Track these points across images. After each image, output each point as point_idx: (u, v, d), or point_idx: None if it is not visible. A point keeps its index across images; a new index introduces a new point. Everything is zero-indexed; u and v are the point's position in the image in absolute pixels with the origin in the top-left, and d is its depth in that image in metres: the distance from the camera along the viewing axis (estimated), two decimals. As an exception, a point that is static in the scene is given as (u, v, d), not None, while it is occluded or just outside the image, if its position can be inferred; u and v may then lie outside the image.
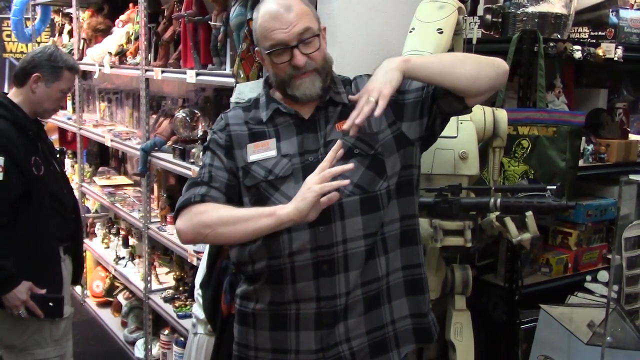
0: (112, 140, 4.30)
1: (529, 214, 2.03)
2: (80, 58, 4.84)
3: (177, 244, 3.48)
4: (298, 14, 1.65)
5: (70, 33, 5.40)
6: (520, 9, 2.57)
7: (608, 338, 2.27)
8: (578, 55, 2.53)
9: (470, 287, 2.36)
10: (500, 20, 2.61)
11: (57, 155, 3.02)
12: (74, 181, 5.10)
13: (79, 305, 4.93)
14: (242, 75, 2.69)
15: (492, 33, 2.62)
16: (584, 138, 2.73)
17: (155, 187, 4.39)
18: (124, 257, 4.57)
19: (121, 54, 4.25)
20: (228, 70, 3.05)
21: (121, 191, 4.81)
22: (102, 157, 5.72)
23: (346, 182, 1.55)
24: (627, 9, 2.90)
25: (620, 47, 2.66)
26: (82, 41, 4.95)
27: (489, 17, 2.60)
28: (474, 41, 2.50)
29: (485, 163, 2.35)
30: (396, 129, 1.73)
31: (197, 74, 3.17)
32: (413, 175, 1.79)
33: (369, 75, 1.70)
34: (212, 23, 3.16)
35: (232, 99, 2.57)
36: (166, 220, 3.79)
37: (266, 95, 1.79)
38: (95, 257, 5.01)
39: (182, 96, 4.22)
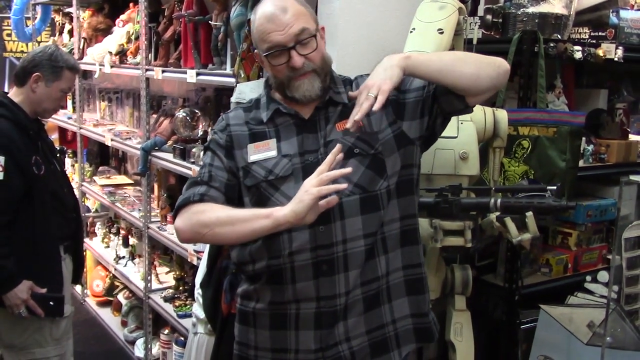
0: (112, 140, 4.30)
1: (529, 214, 2.03)
2: (81, 57, 4.84)
3: (177, 244, 3.49)
4: (294, 15, 1.65)
5: (71, 32, 5.40)
6: (521, 10, 2.57)
7: (608, 338, 2.27)
8: (578, 55, 2.53)
9: (470, 287, 2.36)
10: (500, 20, 2.61)
11: (58, 155, 3.03)
12: (74, 180, 5.11)
13: (79, 305, 4.94)
14: (242, 75, 2.69)
15: (492, 33, 2.62)
16: (584, 138, 2.74)
17: (156, 186, 4.40)
18: (124, 257, 4.57)
19: (121, 54, 4.25)
20: (228, 70, 3.05)
21: (121, 190, 4.81)
22: (102, 156, 5.72)
23: (344, 185, 1.54)
24: (628, 9, 2.90)
25: (620, 47, 2.66)
26: (82, 40, 4.95)
27: (489, 17, 2.60)
28: (475, 41, 2.50)
29: (485, 163, 2.35)
30: (397, 128, 1.73)
31: (198, 74, 3.17)
32: (413, 174, 1.79)
33: (369, 75, 1.70)
34: (212, 23, 3.16)
35: (233, 99, 2.57)
36: (166, 220, 3.79)
37: (267, 95, 1.80)
38: (96, 257, 5.01)
39: (182, 96, 4.22)
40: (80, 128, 4.93)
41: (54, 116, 4.04)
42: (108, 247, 4.93)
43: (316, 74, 1.70)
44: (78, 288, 5.05)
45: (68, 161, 5.53)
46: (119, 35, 4.33)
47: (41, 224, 2.63)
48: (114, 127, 4.81)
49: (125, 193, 4.74)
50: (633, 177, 2.72)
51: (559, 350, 2.45)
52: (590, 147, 2.88)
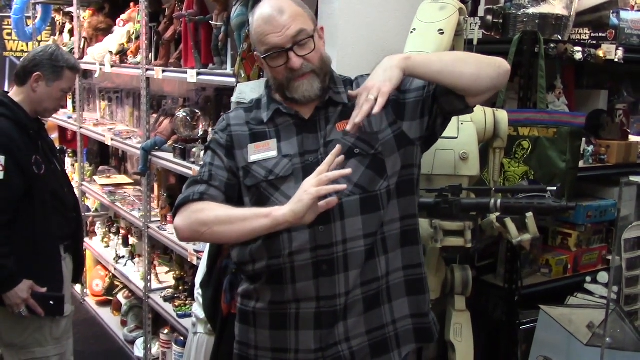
0: (112, 140, 4.30)
1: (529, 214, 2.03)
2: (81, 57, 4.84)
3: (177, 243, 3.49)
4: (291, 16, 1.65)
5: (71, 32, 5.40)
6: (521, 10, 2.57)
7: (607, 339, 2.27)
8: (579, 56, 2.53)
9: (470, 287, 2.36)
10: (501, 21, 2.61)
11: (58, 154, 3.03)
12: (74, 180, 5.11)
13: (78, 304, 4.94)
14: (243, 75, 2.69)
15: (492, 34, 2.62)
16: (584, 139, 2.74)
17: (156, 186, 4.40)
18: (123, 256, 4.57)
19: (122, 53, 4.25)
20: (229, 70, 3.05)
21: (121, 190, 4.82)
22: (102, 156, 5.72)
23: (343, 186, 1.54)
24: (628, 10, 2.90)
25: (620, 48, 2.66)
26: (82, 40, 4.96)
27: (489, 18, 2.60)
28: (475, 42, 2.50)
29: (485, 164, 2.35)
30: (397, 129, 1.73)
31: (198, 74, 3.17)
32: (413, 175, 1.79)
33: (370, 76, 1.70)
34: (213, 23, 3.16)
35: (233, 99, 2.57)
36: (166, 220, 3.79)
37: (267, 96, 1.80)
38: (95, 256, 5.01)
39: (182, 96, 4.22)
40: (81, 127, 4.94)
41: (54, 115, 4.04)
42: (108, 246, 4.93)
43: (315, 74, 1.70)
44: (78, 287, 5.05)
45: (68, 161, 5.53)
46: (119, 34, 4.33)
47: (41, 223, 2.63)
48: (114, 126, 4.81)
49: (125, 193, 4.74)
50: (633, 178, 2.72)
51: (558, 351, 2.45)
52: (591, 148, 2.89)
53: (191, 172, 3.17)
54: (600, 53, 2.61)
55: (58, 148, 4.10)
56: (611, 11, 2.80)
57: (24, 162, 2.56)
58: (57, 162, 2.85)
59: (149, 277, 3.96)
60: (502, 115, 2.30)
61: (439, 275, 2.35)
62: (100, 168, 5.44)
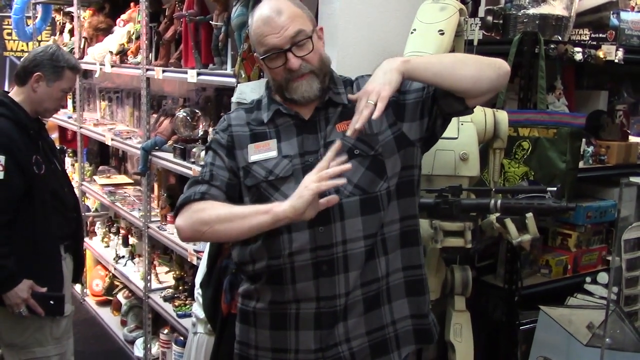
0: (112, 139, 4.30)
1: (529, 215, 2.04)
2: (81, 57, 4.84)
3: (177, 243, 3.49)
4: (289, 17, 1.66)
5: (71, 32, 5.40)
6: (521, 11, 2.57)
7: (607, 340, 2.28)
8: (579, 57, 2.54)
9: (470, 288, 2.37)
10: (501, 21, 2.61)
11: (58, 154, 3.03)
12: (74, 180, 5.10)
13: (78, 304, 4.93)
14: (243, 75, 2.69)
15: (493, 34, 2.62)
16: (584, 140, 2.74)
17: (156, 186, 4.40)
18: (123, 256, 4.57)
19: (122, 53, 4.25)
20: (229, 70, 3.05)
21: (121, 190, 4.82)
22: (102, 156, 5.72)
23: (343, 181, 1.54)
24: (628, 11, 2.90)
25: (620, 49, 2.67)
26: (83, 40, 4.96)
27: (490, 18, 2.60)
28: (475, 42, 2.50)
29: (485, 164, 2.36)
30: (397, 130, 1.73)
31: (198, 74, 3.17)
32: (414, 176, 1.79)
33: (370, 76, 1.70)
34: (213, 23, 3.16)
35: (234, 99, 2.58)
36: (166, 220, 3.79)
37: (268, 96, 1.80)
38: (95, 256, 5.01)
39: (182, 96, 4.22)
40: (81, 127, 4.94)
41: (54, 115, 4.04)
42: (108, 246, 4.93)
43: (314, 74, 1.70)
44: (78, 287, 5.05)
45: (68, 160, 5.54)
46: (119, 34, 4.34)
47: (41, 223, 2.63)
48: (114, 126, 4.81)
49: (125, 193, 4.74)
50: (633, 179, 2.72)
51: (558, 351, 2.45)
52: (591, 149, 2.89)
53: (191, 172, 3.17)
54: (601, 54, 2.62)
55: (58, 148, 4.10)
56: (611, 12, 2.80)
57: (24, 162, 2.56)
58: (57, 162, 2.85)
59: (148, 277, 3.96)
60: (502, 115, 2.31)
61: (439, 275, 2.35)
62: (100, 168, 5.44)
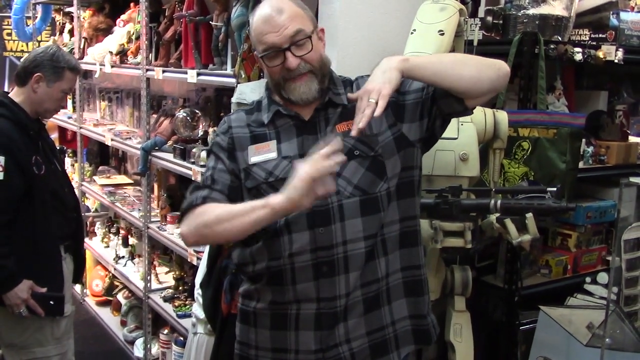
0: (112, 140, 4.30)
1: (529, 215, 2.04)
2: (81, 57, 4.84)
3: (177, 244, 3.49)
4: (290, 16, 1.66)
5: (71, 32, 5.40)
6: (521, 11, 2.57)
7: (607, 340, 2.28)
8: (578, 57, 2.54)
9: (469, 288, 2.37)
10: (501, 22, 2.61)
11: (59, 154, 3.03)
12: (74, 180, 5.11)
13: (78, 304, 4.93)
14: (243, 76, 2.69)
15: (493, 35, 2.63)
16: (584, 140, 2.74)
17: (156, 186, 4.40)
18: (123, 257, 4.57)
19: (122, 54, 4.25)
20: (229, 70, 3.05)
21: (121, 190, 4.82)
22: (102, 156, 5.72)
23: (341, 158, 1.51)
24: (628, 11, 2.91)
25: (620, 49, 2.67)
26: (83, 40, 4.95)
27: (489, 18, 2.60)
28: (475, 43, 2.50)
29: (485, 164, 2.36)
30: (396, 131, 1.73)
31: (198, 74, 3.17)
32: (414, 176, 1.79)
33: (370, 76, 1.70)
34: (213, 23, 3.16)
35: (233, 99, 2.58)
36: (166, 220, 3.79)
37: (268, 97, 1.80)
38: (95, 256, 5.01)
39: (182, 96, 4.22)
40: (80, 128, 4.94)
41: (54, 115, 4.05)
42: (108, 246, 4.93)
43: (313, 74, 1.70)
44: (77, 288, 5.05)
45: (68, 161, 5.53)
46: (119, 35, 4.34)
47: (41, 223, 2.63)
48: (114, 126, 4.81)
49: (125, 193, 4.74)
50: (633, 179, 2.72)
51: (558, 352, 2.45)
52: (590, 149, 2.89)
53: (191, 173, 3.17)
54: (600, 54, 2.62)
55: (58, 148, 4.10)
56: (611, 12, 2.80)
57: (24, 163, 2.56)
58: (57, 163, 2.85)
59: (148, 277, 3.96)
60: (502, 116, 2.31)
61: (439, 275, 2.35)
62: (100, 168, 5.44)
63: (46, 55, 2.69)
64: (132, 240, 4.67)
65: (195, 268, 3.26)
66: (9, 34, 7.23)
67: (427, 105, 1.73)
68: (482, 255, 2.69)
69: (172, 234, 3.63)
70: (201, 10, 3.33)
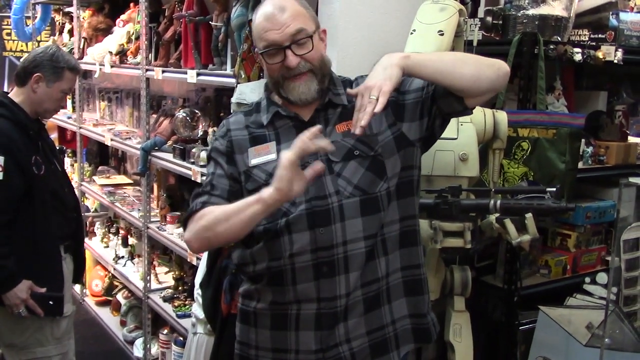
0: (112, 140, 4.30)
1: (529, 215, 2.04)
2: (81, 57, 4.84)
3: (177, 243, 3.49)
4: (292, 15, 1.66)
5: (71, 32, 5.40)
6: (521, 12, 2.57)
7: (607, 340, 2.28)
8: (578, 57, 2.54)
9: (469, 288, 2.37)
10: (500, 22, 2.62)
11: (58, 155, 3.03)
12: (74, 180, 5.10)
13: (78, 305, 4.92)
14: (243, 76, 2.69)
15: (492, 35, 2.63)
16: (583, 140, 2.74)
17: (155, 186, 4.40)
18: (123, 257, 4.57)
19: (122, 54, 4.25)
20: (229, 71, 3.05)
21: (121, 190, 4.82)
22: (101, 156, 5.72)
23: (325, 142, 1.51)
24: (627, 11, 2.91)
25: (620, 49, 2.67)
26: (82, 40, 4.95)
27: (489, 19, 2.61)
28: (475, 43, 2.51)
29: (485, 165, 2.36)
30: (396, 130, 1.73)
31: (198, 74, 3.17)
32: (413, 176, 1.79)
33: (369, 74, 1.70)
34: (213, 23, 3.16)
35: (233, 100, 2.58)
36: (166, 220, 3.79)
37: (267, 98, 1.80)
38: (95, 256, 5.01)
39: (182, 96, 4.22)
40: (80, 128, 4.94)
41: (53, 115, 4.05)
42: (107, 246, 4.93)
43: (313, 74, 1.70)
44: (77, 288, 5.04)
45: (67, 161, 5.53)
46: (119, 35, 4.34)
47: (41, 223, 2.63)
48: (114, 127, 4.81)
49: (124, 193, 4.75)
50: (632, 179, 2.71)
51: (557, 352, 2.46)
52: (590, 149, 2.89)
53: (191, 173, 3.18)
54: (600, 54, 2.62)
55: (58, 148, 4.10)
56: (610, 12, 2.80)
57: (24, 163, 2.57)
58: (57, 163, 2.85)
59: (148, 277, 3.96)
60: (502, 116, 2.31)
61: (439, 276, 2.35)
62: (100, 168, 5.44)
63: (46, 56, 2.70)
64: (131, 240, 4.66)
65: (195, 268, 3.26)
66: (9, 34, 7.23)
67: (427, 105, 1.73)
68: (481, 255, 2.69)
69: (171, 234, 3.63)
70: (201, 10, 3.33)
